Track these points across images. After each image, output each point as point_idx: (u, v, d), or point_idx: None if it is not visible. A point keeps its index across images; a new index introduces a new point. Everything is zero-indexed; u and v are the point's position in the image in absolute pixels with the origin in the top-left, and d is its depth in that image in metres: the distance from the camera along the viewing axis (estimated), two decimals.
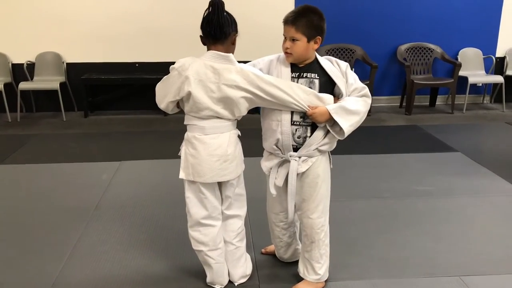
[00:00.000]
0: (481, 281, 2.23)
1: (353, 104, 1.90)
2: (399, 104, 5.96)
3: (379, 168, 3.74)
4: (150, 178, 3.57)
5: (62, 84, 5.40)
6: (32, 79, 5.49)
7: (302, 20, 1.85)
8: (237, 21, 1.91)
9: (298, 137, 1.95)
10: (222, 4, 1.84)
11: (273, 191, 2.04)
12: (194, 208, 2.03)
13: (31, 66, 5.48)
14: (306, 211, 2.05)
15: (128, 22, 5.46)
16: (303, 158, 1.96)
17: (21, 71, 5.46)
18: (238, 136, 2.03)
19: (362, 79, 2.07)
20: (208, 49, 1.90)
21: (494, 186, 3.38)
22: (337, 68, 1.97)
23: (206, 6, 1.86)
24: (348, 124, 1.89)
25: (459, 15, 5.75)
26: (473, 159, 3.92)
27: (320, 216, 2.05)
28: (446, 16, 5.75)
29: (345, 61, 2.03)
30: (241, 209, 2.13)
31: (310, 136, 1.95)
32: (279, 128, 1.94)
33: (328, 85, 1.95)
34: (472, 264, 2.37)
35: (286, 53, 1.92)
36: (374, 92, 5.51)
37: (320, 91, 1.93)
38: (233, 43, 1.92)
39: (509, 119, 5.39)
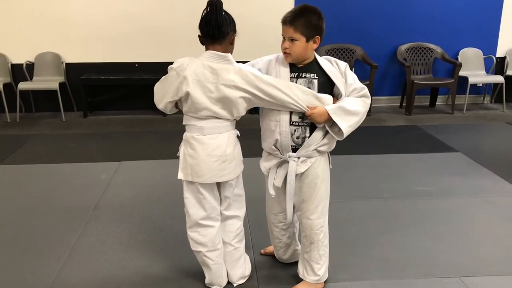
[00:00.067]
0: (481, 282, 2.22)
1: (352, 105, 1.89)
2: (399, 104, 5.95)
3: (379, 169, 3.73)
4: (150, 178, 3.56)
5: (61, 84, 5.39)
6: (31, 79, 5.48)
7: (301, 20, 1.84)
8: (235, 20, 1.90)
9: (297, 138, 1.95)
10: (221, 3, 1.84)
11: (272, 191, 2.03)
12: (193, 208, 2.02)
13: (30, 66, 5.48)
14: (306, 212, 2.04)
15: (128, 22, 5.46)
16: (302, 158, 1.95)
17: (20, 71, 5.45)
18: (237, 136, 2.02)
19: (362, 79, 2.06)
20: (207, 49, 1.89)
21: (494, 187, 3.37)
22: (336, 68, 1.96)
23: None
24: (347, 124, 1.88)
25: (459, 15, 5.74)
26: (473, 159, 3.92)
27: (320, 217, 2.04)
28: (446, 16, 5.74)
29: (345, 61, 2.02)
30: (240, 210, 2.12)
31: (309, 137, 1.94)
32: (278, 128, 1.93)
33: (327, 86, 1.94)
34: (472, 265, 2.37)
35: (285, 53, 1.91)
36: (374, 92, 5.51)
37: (319, 91, 1.92)
38: (232, 43, 1.91)
39: (510, 119, 5.38)
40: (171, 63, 1.90)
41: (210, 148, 1.91)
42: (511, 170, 3.64)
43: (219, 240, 2.08)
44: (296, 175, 1.97)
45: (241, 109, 1.90)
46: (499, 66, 5.99)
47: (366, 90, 1.95)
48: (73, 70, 5.53)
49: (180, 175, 1.98)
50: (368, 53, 5.64)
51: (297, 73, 1.93)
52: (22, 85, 5.31)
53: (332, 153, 2.06)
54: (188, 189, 2.01)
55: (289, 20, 1.86)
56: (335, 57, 2.01)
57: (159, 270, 2.32)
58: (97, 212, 2.97)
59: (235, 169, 2.00)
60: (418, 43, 5.80)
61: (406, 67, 5.53)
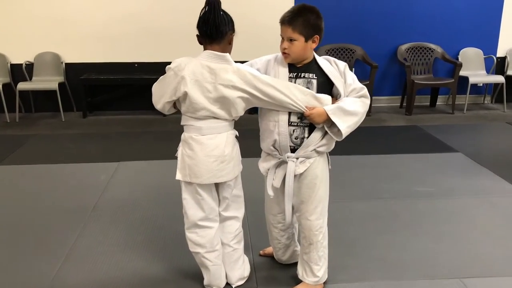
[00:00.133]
0: (482, 283, 2.20)
1: (351, 105, 1.88)
2: (399, 104, 5.94)
3: (379, 169, 3.72)
4: (149, 179, 3.55)
5: (61, 85, 5.38)
6: (30, 79, 5.48)
7: (299, 20, 1.83)
8: (234, 20, 1.89)
9: (296, 138, 1.93)
10: (219, 3, 1.82)
11: (270, 192, 2.02)
12: (191, 209, 2.01)
13: (30, 66, 5.47)
14: (305, 213, 2.03)
15: (127, 22, 5.45)
16: (300, 159, 1.94)
17: (19, 71, 5.45)
18: (236, 136, 2.01)
19: (362, 79, 2.05)
20: (205, 49, 1.88)
21: (495, 187, 3.36)
22: (335, 68, 1.94)
23: None
24: (346, 125, 1.87)
25: (459, 14, 5.73)
26: (473, 160, 3.90)
27: (319, 217, 2.03)
28: (447, 15, 5.73)
29: (345, 61, 2.01)
30: (238, 211, 2.11)
31: (307, 137, 1.92)
32: (277, 128, 1.92)
33: (326, 86, 1.93)
34: (472, 266, 2.35)
35: (284, 53, 1.90)
36: (374, 92, 5.50)
37: (318, 91, 1.90)
38: (230, 43, 1.90)
39: (510, 119, 5.37)
40: (171, 63, 1.88)
41: (209, 148, 1.90)
42: (511, 170, 3.62)
43: (218, 241, 2.07)
44: (295, 175, 1.96)
45: (240, 109, 1.89)
46: (499, 66, 5.98)
47: (365, 90, 1.94)
48: (73, 70, 5.52)
49: (178, 176, 1.97)
50: (368, 53, 5.63)
51: (296, 73, 1.92)
52: (22, 85, 5.31)
53: (332, 153, 2.05)
54: (186, 190, 1.99)
55: (287, 20, 1.84)
56: (335, 57, 2.00)
57: (158, 271, 2.31)
58: (96, 212, 2.96)
59: (234, 170, 1.98)
60: (418, 43, 5.79)
61: (406, 67, 5.52)
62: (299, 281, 2.14)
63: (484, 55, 5.86)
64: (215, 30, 1.81)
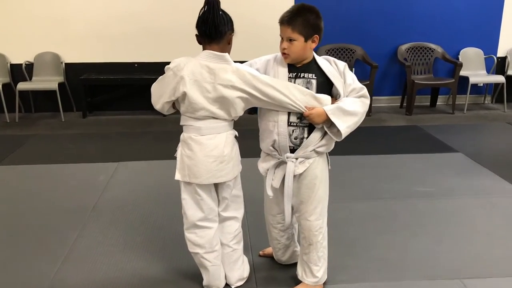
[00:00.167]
0: (482, 283, 2.20)
1: (350, 105, 1.87)
2: (399, 104, 5.93)
3: (379, 169, 3.71)
4: (148, 179, 3.55)
5: (60, 85, 5.38)
6: (30, 79, 5.47)
7: (298, 20, 1.82)
8: (233, 20, 1.88)
9: (295, 138, 1.93)
10: (218, 2, 1.82)
11: (269, 192, 2.02)
12: (190, 210, 2.00)
13: (29, 66, 5.47)
14: (304, 213, 2.03)
15: (127, 22, 5.44)
16: (300, 159, 1.94)
17: (19, 71, 5.44)
18: (235, 136, 2.00)
19: (362, 79, 2.05)
20: (204, 49, 1.87)
21: (495, 187, 3.35)
22: (335, 68, 1.94)
23: None
24: (345, 125, 1.86)
25: (460, 14, 5.72)
26: (474, 160, 3.90)
27: (318, 218, 2.02)
28: (447, 15, 5.72)
29: (345, 61, 2.00)
30: (238, 211, 2.10)
31: (307, 137, 1.92)
32: (276, 129, 1.91)
33: (326, 86, 1.92)
34: (473, 266, 2.35)
35: (283, 54, 1.89)
36: (374, 92, 5.50)
37: (318, 91, 1.90)
38: (229, 43, 1.89)
39: (511, 119, 5.36)
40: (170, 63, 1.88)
41: (208, 148, 1.90)
42: (511, 171, 3.62)
43: (217, 241, 2.06)
44: (294, 176, 1.95)
45: (239, 109, 1.89)
46: (500, 66, 5.97)
47: (365, 90, 1.93)
48: (73, 70, 5.52)
49: (178, 176, 1.96)
50: (368, 53, 5.62)
51: (295, 73, 1.92)
52: (21, 85, 5.30)
53: (332, 153, 2.04)
54: (185, 190, 1.99)
55: (287, 20, 1.84)
56: (335, 57, 1.99)
57: (157, 272, 2.31)
58: (96, 213, 2.95)
59: (233, 170, 1.98)
60: (419, 43, 5.78)
61: (407, 67, 5.51)
62: (298, 282, 2.14)
63: (484, 55, 5.86)
64: (214, 30, 1.81)
